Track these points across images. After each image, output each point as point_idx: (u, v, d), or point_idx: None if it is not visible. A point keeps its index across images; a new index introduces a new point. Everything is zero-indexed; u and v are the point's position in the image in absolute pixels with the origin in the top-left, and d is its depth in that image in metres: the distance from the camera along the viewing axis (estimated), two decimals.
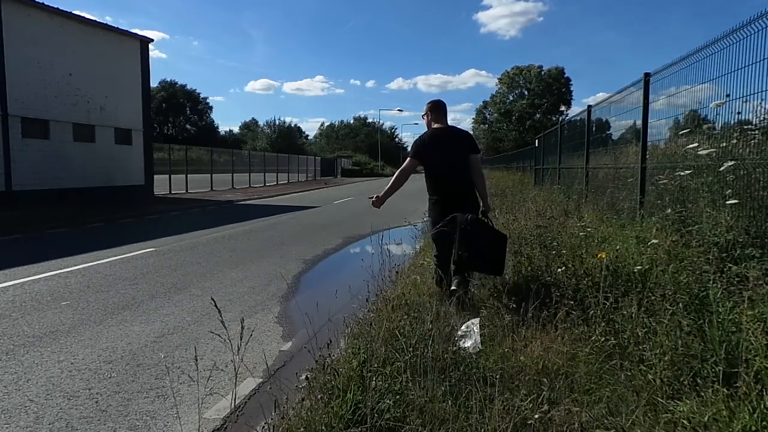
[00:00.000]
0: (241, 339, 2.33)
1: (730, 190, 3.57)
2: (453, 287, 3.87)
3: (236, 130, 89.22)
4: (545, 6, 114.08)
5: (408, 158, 4.35)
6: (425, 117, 4.47)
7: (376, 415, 2.21)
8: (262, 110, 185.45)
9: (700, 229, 3.56)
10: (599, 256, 3.51)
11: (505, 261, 4.05)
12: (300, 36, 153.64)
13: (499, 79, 64.70)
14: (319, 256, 8.00)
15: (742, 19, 3.74)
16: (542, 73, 61.53)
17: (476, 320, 3.15)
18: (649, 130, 5.68)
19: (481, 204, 4.28)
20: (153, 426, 2.74)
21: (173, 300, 5.22)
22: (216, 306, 2.42)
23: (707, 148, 4.02)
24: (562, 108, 62.08)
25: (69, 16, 16.10)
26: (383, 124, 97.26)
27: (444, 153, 4.19)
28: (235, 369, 2.50)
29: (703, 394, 2.11)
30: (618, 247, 4.07)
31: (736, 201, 3.45)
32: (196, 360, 2.33)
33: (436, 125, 4.33)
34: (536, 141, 16.35)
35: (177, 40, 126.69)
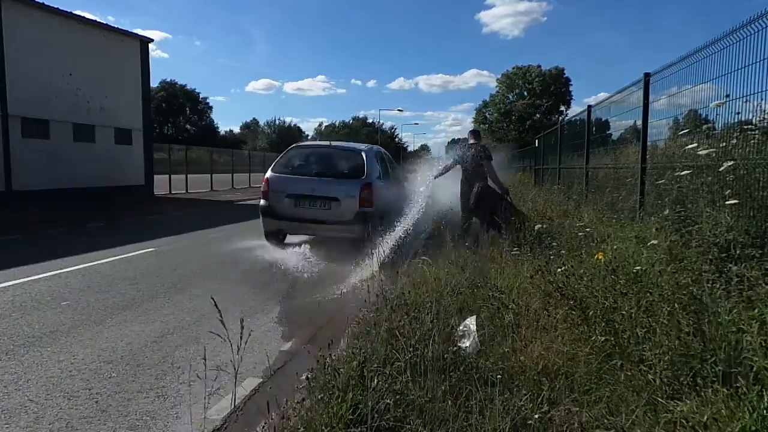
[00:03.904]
0: (240, 339, 2.34)
1: (729, 191, 3.57)
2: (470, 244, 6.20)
3: (237, 130, 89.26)
4: (549, 5, 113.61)
5: (452, 161, 7.39)
6: (469, 139, 7.44)
7: (376, 415, 2.21)
8: (263, 110, 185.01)
9: (699, 229, 3.56)
10: (597, 256, 3.51)
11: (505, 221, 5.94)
12: (302, 36, 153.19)
13: (498, 80, 64.68)
14: (319, 256, 7.99)
15: (742, 19, 3.75)
16: (542, 73, 61.47)
17: (472, 318, 3.15)
18: (649, 130, 5.68)
19: (497, 188, 6.93)
20: (153, 426, 2.74)
21: (173, 300, 5.22)
22: (216, 306, 2.42)
23: (707, 148, 4.01)
24: (562, 108, 62.03)
25: (69, 16, 16.09)
26: (383, 124, 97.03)
27: (469, 160, 7.05)
28: (235, 369, 2.50)
29: (702, 394, 2.10)
30: (616, 247, 4.08)
31: (735, 201, 3.45)
32: (205, 360, 2.34)
33: (471, 142, 7.31)
34: (536, 141, 16.35)
35: (179, 39, 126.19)
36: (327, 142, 9.14)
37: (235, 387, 2.75)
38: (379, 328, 2.99)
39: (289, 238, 8.31)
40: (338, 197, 7.16)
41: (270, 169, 7.77)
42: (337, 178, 7.43)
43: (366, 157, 7.64)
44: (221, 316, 2.40)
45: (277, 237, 7.89)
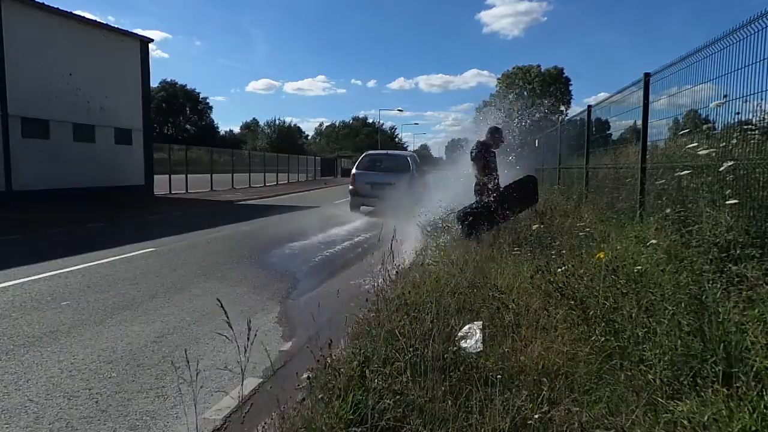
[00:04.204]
0: (248, 339, 2.33)
1: (729, 190, 3.57)
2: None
3: (237, 130, 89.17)
4: (549, 5, 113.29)
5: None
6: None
7: (376, 415, 2.21)
8: (263, 110, 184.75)
9: (699, 229, 3.56)
10: (597, 256, 3.51)
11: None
12: (302, 36, 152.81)
13: (498, 79, 64.71)
14: (319, 255, 8.00)
15: (741, 19, 3.75)
16: (541, 73, 61.48)
17: (479, 323, 3.15)
18: (649, 130, 5.68)
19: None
20: (153, 426, 2.74)
21: (173, 300, 5.22)
22: (222, 307, 2.39)
23: (707, 148, 4.01)
24: (562, 108, 62.05)
25: (69, 16, 16.09)
26: (383, 124, 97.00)
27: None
28: (242, 369, 2.49)
29: (702, 394, 2.10)
30: (618, 247, 4.08)
31: (735, 201, 3.45)
32: (189, 362, 2.34)
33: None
34: (536, 141, 16.32)
35: (179, 39, 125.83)
36: (385, 151, 16.78)
37: (242, 387, 2.74)
38: (380, 328, 2.99)
39: (292, 235, 8.30)
40: (395, 183, 12.16)
41: (354, 167, 13.69)
42: (394, 172, 12.92)
43: (409, 159, 13.92)
44: (227, 316, 2.38)
45: (358, 208, 13.28)
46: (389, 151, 16.40)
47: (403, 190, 11.53)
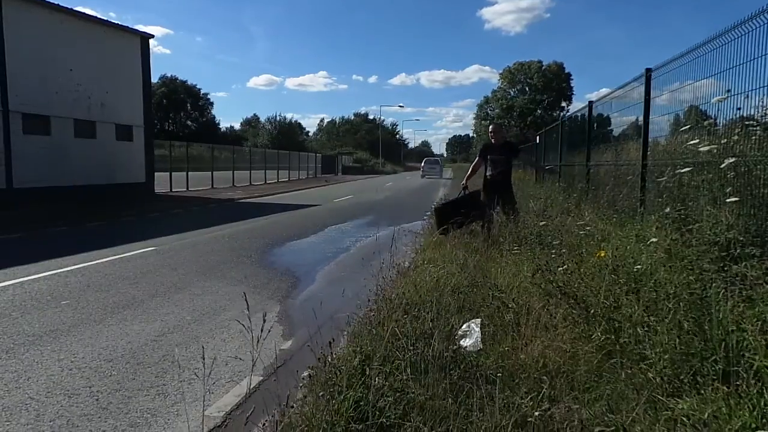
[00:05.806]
0: (261, 331, 2.36)
1: (730, 188, 3.55)
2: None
3: (237, 126, 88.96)
4: (552, 2, 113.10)
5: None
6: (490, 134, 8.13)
7: (377, 412, 2.21)
8: (264, 106, 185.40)
9: (700, 227, 3.54)
10: (598, 254, 3.50)
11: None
12: (303, 31, 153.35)
13: (501, 75, 64.47)
14: (319, 254, 8.01)
15: (745, 14, 3.72)
16: (542, 68, 61.26)
17: (477, 320, 3.15)
18: (650, 126, 5.65)
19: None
20: (153, 423, 2.75)
21: (173, 299, 5.23)
22: (246, 300, 2.41)
23: (708, 145, 3.99)
24: (563, 104, 61.92)
25: (70, 12, 16.06)
26: (384, 120, 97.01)
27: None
28: (252, 362, 2.50)
29: (703, 391, 2.10)
30: (618, 246, 4.06)
31: (736, 199, 3.43)
32: (189, 360, 2.33)
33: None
34: (537, 137, 16.29)
35: (181, 35, 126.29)
36: (431, 157, 57.88)
37: (249, 381, 2.74)
38: (380, 326, 2.99)
39: (293, 235, 8.26)
40: (435, 167, 46.12)
41: (423, 162, 47.70)
42: (435, 164, 47.31)
43: (439, 159, 59.55)
44: (248, 310, 2.40)
45: (423, 177, 42.89)
46: (432, 158, 55.91)
47: (437, 170, 44.72)
